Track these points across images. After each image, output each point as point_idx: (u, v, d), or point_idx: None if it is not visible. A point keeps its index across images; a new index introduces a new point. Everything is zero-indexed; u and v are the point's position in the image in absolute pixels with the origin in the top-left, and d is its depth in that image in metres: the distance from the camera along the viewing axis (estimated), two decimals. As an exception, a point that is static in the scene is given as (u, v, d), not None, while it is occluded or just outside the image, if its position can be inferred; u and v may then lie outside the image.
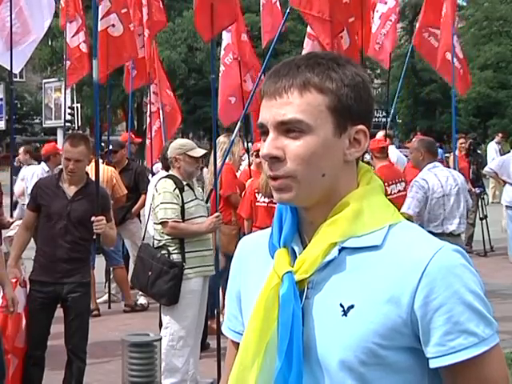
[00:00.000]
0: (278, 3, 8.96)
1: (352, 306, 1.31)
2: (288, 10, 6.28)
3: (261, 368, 1.35)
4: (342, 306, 1.32)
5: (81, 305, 4.78)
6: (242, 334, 1.50)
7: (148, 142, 9.77)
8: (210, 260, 5.29)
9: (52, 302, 4.75)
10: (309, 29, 6.45)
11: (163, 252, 5.12)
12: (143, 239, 5.85)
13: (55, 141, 13.97)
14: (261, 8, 9.01)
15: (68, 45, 8.99)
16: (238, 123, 6.39)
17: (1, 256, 4.45)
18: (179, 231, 5.11)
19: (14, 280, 4.64)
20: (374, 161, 7.16)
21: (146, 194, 7.99)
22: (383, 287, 1.30)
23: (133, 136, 11.02)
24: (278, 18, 8.68)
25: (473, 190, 10.77)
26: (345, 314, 1.32)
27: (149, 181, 8.34)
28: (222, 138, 7.06)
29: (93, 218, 4.63)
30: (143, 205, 8.19)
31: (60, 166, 5.61)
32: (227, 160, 6.63)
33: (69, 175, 4.74)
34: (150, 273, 5.14)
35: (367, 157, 7.99)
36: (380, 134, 9.33)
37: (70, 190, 4.77)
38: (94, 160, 7.89)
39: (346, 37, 6.48)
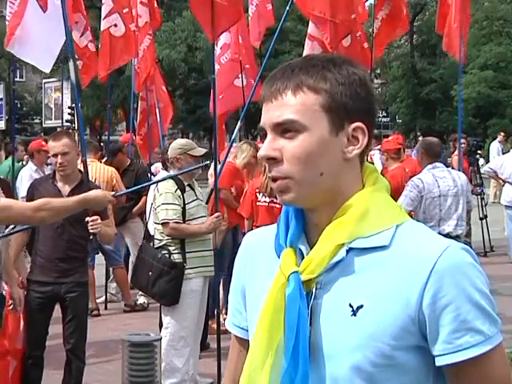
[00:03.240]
0: (270, 6, 8.92)
1: (361, 306, 1.32)
2: (287, 9, 6.26)
3: (272, 368, 1.36)
4: (351, 306, 1.33)
5: (79, 305, 4.77)
6: (246, 330, 1.51)
7: (138, 138, 9.77)
8: (210, 260, 5.29)
9: (50, 302, 4.73)
10: (309, 30, 6.45)
11: (164, 252, 5.12)
12: (143, 239, 5.85)
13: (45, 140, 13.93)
14: (250, 10, 8.94)
15: (77, 45, 8.95)
16: (238, 123, 6.38)
17: (10, 256, 4.48)
18: (180, 232, 5.11)
19: None
20: (389, 161, 7.15)
21: (146, 195, 8.00)
22: (392, 287, 1.31)
23: (134, 138, 11.04)
24: (270, 20, 8.68)
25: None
26: (354, 314, 1.32)
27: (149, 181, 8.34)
28: (244, 146, 7.07)
29: (87, 219, 4.63)
30: (144, 206, 8.18)
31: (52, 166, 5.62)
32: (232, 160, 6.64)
33: (60, 171, 4.75)
34: (150, 273, 5.15)
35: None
36: None
37: (65, 189, 4.78)
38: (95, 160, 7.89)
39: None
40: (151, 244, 5.43)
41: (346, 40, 6.44)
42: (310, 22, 6.32)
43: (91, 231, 4.64)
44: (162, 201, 5.13)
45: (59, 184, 4.80)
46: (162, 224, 5.10)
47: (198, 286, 5.17)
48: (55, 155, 4.74)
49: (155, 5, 9.14)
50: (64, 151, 4.70)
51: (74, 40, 8.76)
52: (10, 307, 4.46)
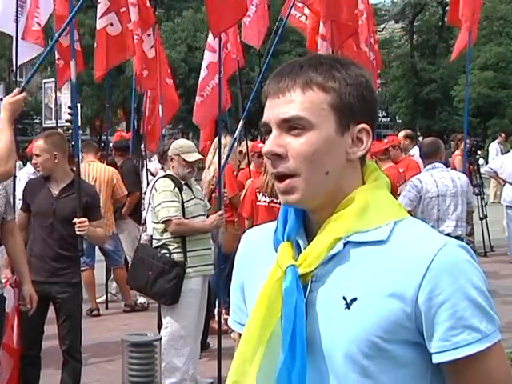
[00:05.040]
0: (267, 7, 8.92)
1: (355, 299, 1.32)
2: (290, 8, 6.29)
3: (262, 360, 1.36)
4: (344, 298, 1.33)
5: (71, 306, 4.77)
6: None
7: (148, 126, 9.78)
8: (209, 259, 5.29)
9: (42, 302, 4.67)
10: (320, 30, 6.47)
11: (164, 251, 5.11)
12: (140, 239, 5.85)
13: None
14: (250, 11, 8.91)
15: (61, 44, 8.94)
16: (241, 122, 6.38)
17: (23, 253, 4.52)
18: (184, 227, 5.10)
19: (4, 280, 4.62)
20: (379, 164, 7.20)
21: (131, 194, 8.00)
22: (387, 281, 1.31)
23: (123, 134, 11.10)
24: (267, 21, 8.67)
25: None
26: (348, 306, 1.32)
27: (137, 181, 8.32)
28: (222, 140, 7.03)
29: (74, 220, 4.66)
30: (131, 206, 8.15)
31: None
32: (229, 160, 6.61)
33: (38, 170, 4.92)
34: (150, 272, 5.11)
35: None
36: (401, 134, 9.36)
37: (56, 189, 4.81)
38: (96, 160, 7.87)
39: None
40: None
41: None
42: (321, 22, 6.34)
43: (78, 233, 4.68)
44: (161, 199, 5.11)
45: (51, 184, 4.83)
46: (165, 222, 5.06)
47: (198, 285, 5.17)
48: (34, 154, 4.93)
49: (147, 4, 9.10)
50: (35, 153, 4.85)
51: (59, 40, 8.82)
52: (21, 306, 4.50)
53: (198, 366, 5.42)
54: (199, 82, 7.82)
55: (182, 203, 5.13)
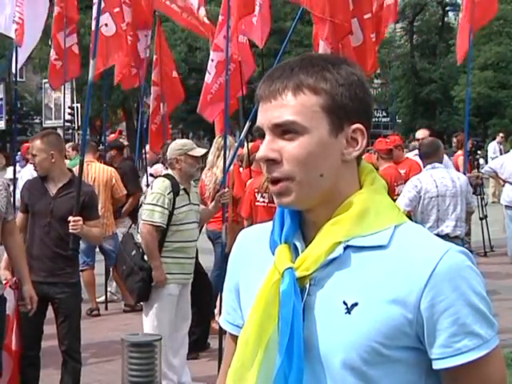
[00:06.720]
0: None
1: (356, 304, 1.31)
2: (299, 12, 6.33)
3: (261, 365, 1.35)
4: (345, 303, 1.32)
5: (69, 306, 4.77)
6: (240, 327, 1.48)
7: (152, 126, 9.81)
8: (189, 268, 5.26)
9: (41, 302, 4.65)
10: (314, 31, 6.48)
11: (142, 250, 5.13)
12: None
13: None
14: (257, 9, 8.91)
15: (60, 45, 8.93)
16: (247, 124, 6.37)
17: (23, 253, 4.53)
18: (147, 244, 5.06)
19: (4, 282, 4.62)
20: (380, 161, 7.19)
21: (133, 195, 8.00)
22: (388, 286, 1.30)
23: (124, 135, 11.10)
24: (269, 20, 8.67)
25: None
26: (348, 311, 1.31)
27: (137, 181, 8.30)
28: (219, 139, 7.02)
29: (69, 218, 4.67)
30: (133, 206, 8.11)
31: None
32: (234, 160, 6.62)
33: (35, 170, 4.94)
34: (124, 267, 5.20)
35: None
36: (425, 133, 9.26)
37: (53, 189, 4.82)
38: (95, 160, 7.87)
39: (358, 34, 6.47)
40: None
41: (357, 39, 6.43)
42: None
43: (70, 231, 4.67)
44: (151, 200, 5.05)
45: (48, 184, 4.84)
46: (143, 223, 5.07)
47: (175, 291, 5.15)
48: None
49: (141, 3, 9.09)
50: (32, 153, 4.85)
51: (58, 39, 8.84)
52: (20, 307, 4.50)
53: (195, 369, 5.44)
54: (208, 81, 7.84)
55: (172, 209, 5.05)
